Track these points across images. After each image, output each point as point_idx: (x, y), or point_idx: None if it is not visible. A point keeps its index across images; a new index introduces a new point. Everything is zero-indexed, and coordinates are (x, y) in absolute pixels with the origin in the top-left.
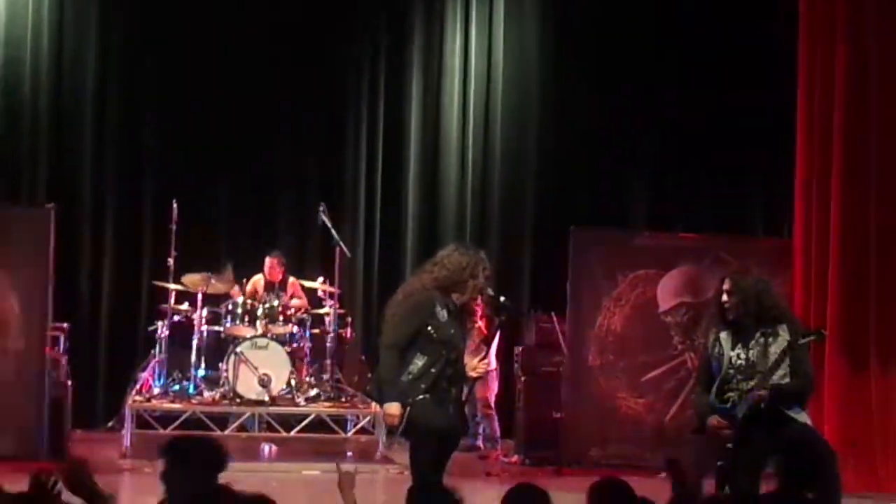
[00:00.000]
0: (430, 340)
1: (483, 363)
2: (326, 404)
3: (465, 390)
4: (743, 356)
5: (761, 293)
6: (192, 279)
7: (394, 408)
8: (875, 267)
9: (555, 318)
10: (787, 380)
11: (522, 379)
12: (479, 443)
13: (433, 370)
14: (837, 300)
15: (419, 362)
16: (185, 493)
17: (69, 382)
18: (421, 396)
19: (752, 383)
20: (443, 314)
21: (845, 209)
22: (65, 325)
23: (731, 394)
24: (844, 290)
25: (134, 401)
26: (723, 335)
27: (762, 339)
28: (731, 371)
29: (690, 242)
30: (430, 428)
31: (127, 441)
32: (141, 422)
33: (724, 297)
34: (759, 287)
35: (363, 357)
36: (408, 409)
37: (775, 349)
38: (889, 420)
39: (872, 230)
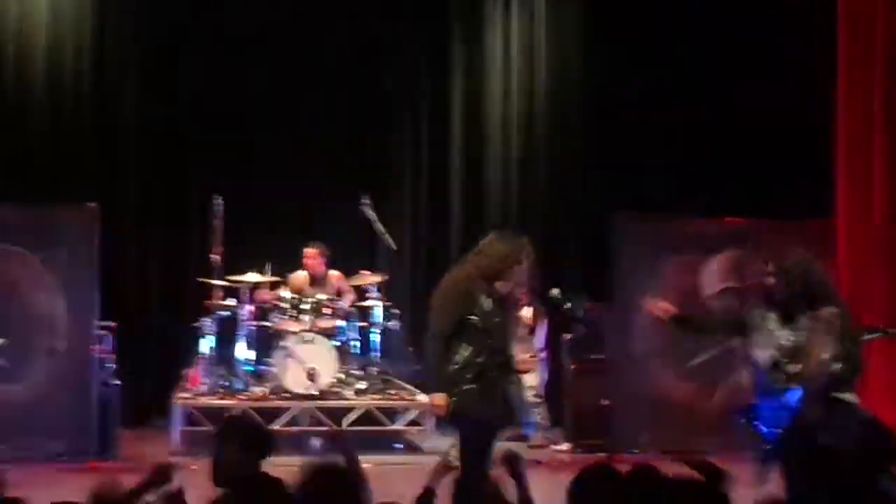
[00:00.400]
0: (475, 329)
1: (530, 358)
2: (375, 397)
3: (515, 379)
4: (791, 338)
5: (807, 272)
6: (240, 274)
7: (439, 398)
8: None
9: (600, 305)
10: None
11: (570, 367)
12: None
13: (479, 360)
14: (883, 282)
15: (465, 352)
16: (227, 471)
17: (117, 381)
18: (467, 386)
19: (799, 367)
20: (487, 303)
21: (888, 189)
22: (111, 323)
23: (777, 376)
24: (888, 271)
25: (182, 398)
26: (771, 315)
27: (807, 321)
28: (776, 353)
29: (734, 227)
30: (476, 418)
31: (176, 438)
32: (190, 419)
33: (770, 280)
34: (804, 266)
35: (411, 349)
36: (454, 399)
37: (823, 330)
38: None
39: None
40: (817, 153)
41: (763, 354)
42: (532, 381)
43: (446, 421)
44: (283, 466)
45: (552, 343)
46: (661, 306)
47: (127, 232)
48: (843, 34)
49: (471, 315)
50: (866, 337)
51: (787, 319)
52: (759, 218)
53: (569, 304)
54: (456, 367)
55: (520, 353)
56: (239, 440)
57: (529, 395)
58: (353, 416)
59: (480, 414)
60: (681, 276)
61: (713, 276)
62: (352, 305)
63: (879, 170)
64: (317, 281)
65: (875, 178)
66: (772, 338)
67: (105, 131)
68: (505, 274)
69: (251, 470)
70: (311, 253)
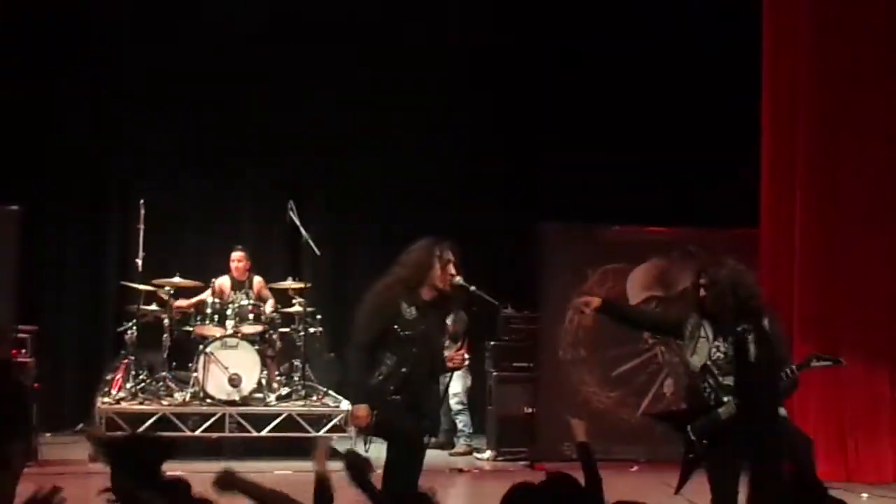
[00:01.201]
0: (399, 339)
1: (460, 354)
2: (298, 403)
3: (442, 386)
4: (723, 349)
5: (737, 286)
6: (161, 279)
7: (361, 409)
8: (841, 254)
9: (525, 314)
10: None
11: (494, 374)
12: (454, 439)
13: (403, 369)
14: (804, 288)
15: (389, 362)
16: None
17: (37, 385)
18: (391, 398)
19: (729, 380)
20: (410, 311)
21: (810, 198)
22: (31, 327)
23: (707, 384)
24: (810, 277)
25: (103, 403)
26: (705, 322)
27: (741, 334)
28: (709, 363)
29: (659, 235)
30: (399, 430)
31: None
32: (111, 424)
33: (702, 292)
34: (736, 279)
35: (333, 355)
36: (376, 411)
37: (754, 346)
38: (857, 404)
39: (839, 218)
40: (742, 161)
41: (696, 364)
42: (456, 387)
43: (367, 433)
44: (202, 473)
45: (475, 350)
46: (586, 300)
47: (46, 234)
48: (767, 52)
49: (394, 325)
50: (815, 364)
51: (720, 331)
52: (683, 226)
53: (473, 287)
54: (380, 378)
55: (450, 352)
56: (127, 464)
57: (454, 402)
58: (275, 423)
59: (405, 424)
60: (606, 285)
61: (637, 284)
62: (274, 311)
63: (801, 178)
64: (240, 285)
65: (797, 187)
66: (705, 348)
67: (28, 133)
68: (424, 280)
69: (153, 480)
70: (239, 256)
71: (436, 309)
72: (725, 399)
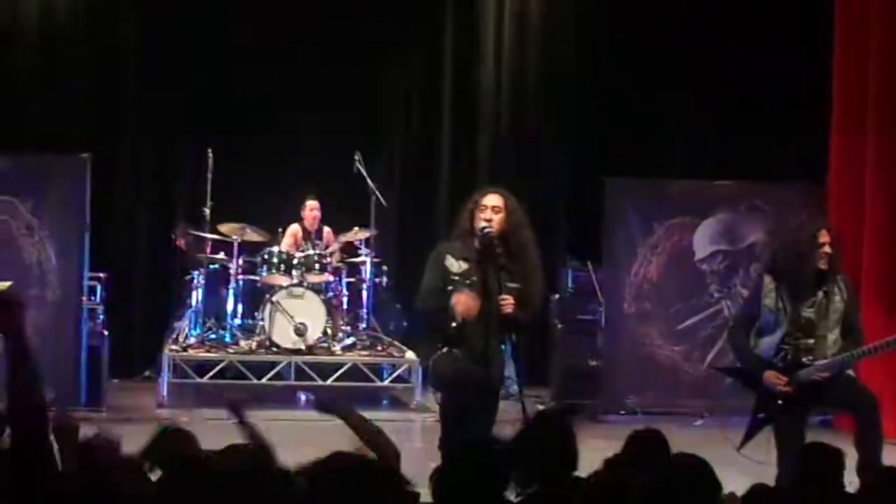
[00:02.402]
0: (449, 294)
1: (507, 300)
2: (362, 353)
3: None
4: (805, 314)
5: (841, 248)
6: (229, 227)
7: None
8: None
9: (590, 267)
10: (837, 335)
11: (559, 326)
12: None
13: (453, 324)
14: (872, 244)
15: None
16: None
17: (106, 332)
18: (443, 350)
19: (811, 342)
20: (458, 265)
21: (880, 153)
22: (102, 274)
23: (786, 347)
24: (880, 232)
25: (171, 350)
26: (784, 287)
27: (824, 299)
28: (792, 327)
29: (726, 190)
30: (449, 381)
31: (164, 390)
32: (178, 371)
33: (827, 250)
34: (840, 241)
35: (399, 305)
36: (433, 361)
37: (835, 308)
38: None
39: None
40: (810, 115)
41: (774, 326)
42: None
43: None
44: (271, 420)
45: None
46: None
47: (119, 182)
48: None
49: (442, 279)
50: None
51: (801, 292)
52: (751, 180)
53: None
54: (436, 328)
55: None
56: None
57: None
58: (340, 372)
59: (454, 376)
60: (672, 238)
61: (705, 239)
62: (341, 261)
63: (872, 132)
64: (310, 234)
65: (868, 142)
66: (782, 309)
67: (99, 82)
68: (467, 228)
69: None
70: (313, 205)
71: (489, 256)
72: (805, 360)
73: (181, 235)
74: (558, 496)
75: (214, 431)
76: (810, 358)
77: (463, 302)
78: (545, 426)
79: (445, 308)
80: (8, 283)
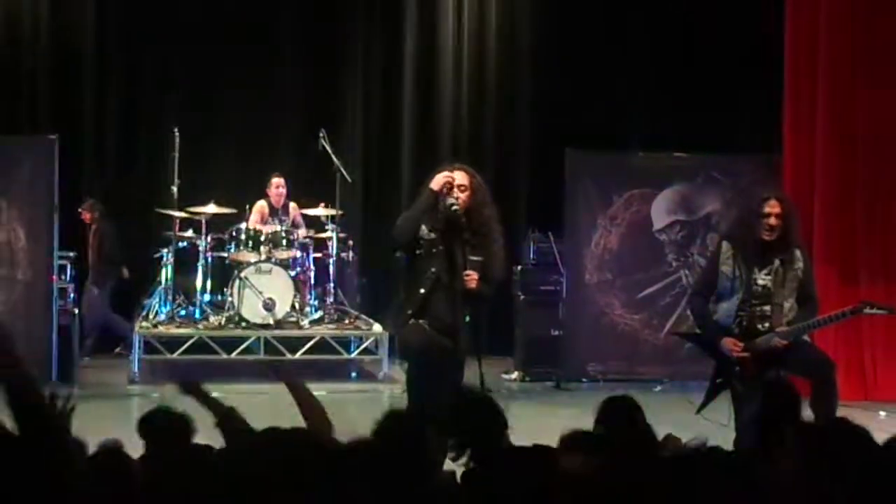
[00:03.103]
0: (416, 258)
1: (471, 274)
2: (330, 326)
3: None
4: (761, 281)
5: (796, 218)
6: (196, 207)
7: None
8: (861, 181)
9: (551, 238)
10: (792, 302)
11: (521, 297)
12: None
13: (422, 290)
14: (824, 211)
15: (407, 285)
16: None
17: (76, 310)
18: (411, 320)
19: (767, 309)
20: (427, 232)
21: (832, 125)
22: (71, 253)
23: (743, 314)
24: (830, 201)
25: (141, 327)
26: (741, 256)
27: (780, 267)
28: (748, 295)
29: (683, 162)
30: (413, 349)
31: (135, 367)
32: (148, 347)
33: (773, 222)
34: (795, 211)
35: (364, 279)
36: (400, 331)
37: (791, 277)
38: (875, 329)
39: (859, 144)
40: (767, 90)
41: (731, 293)
42: None
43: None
44: (240, 394)
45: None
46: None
47: (86, 163)
48: None
49: (415, 248)
50: (867, 311)
51: (758, 261)
52: (707, 153)
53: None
54: (399, 301)
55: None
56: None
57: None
58: (308, 345)
59: (418, 345)
60: (631, 209)
61: (662, 209)
62: (307, 237)
63: (823, 103)
64: (277, 211)
65: (818, 116)
66: (739, 277)
67: (62, 63)
68: (436, 202)
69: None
70: (278, 182)
71: (455, 230)
72: (760, 327)
73: (87, 210)
74: (495, 465)
75: (184, 407)
76: (766, 325)
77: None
78: (471, 404)
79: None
80: None
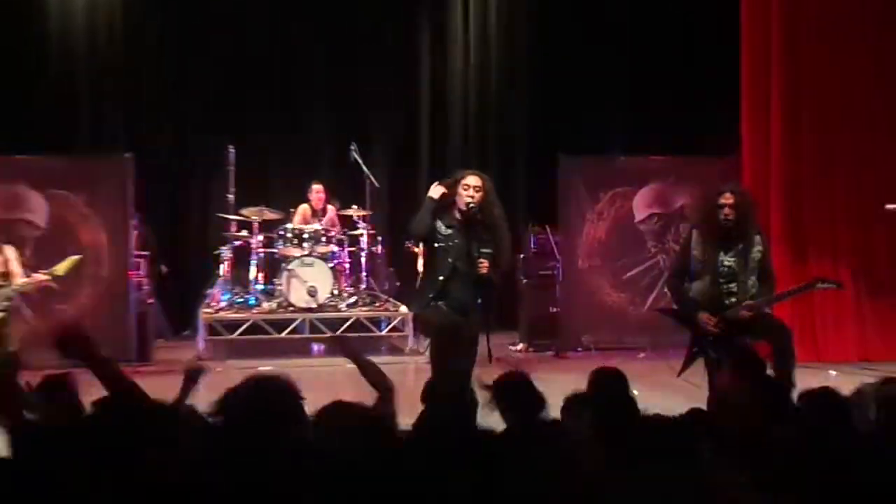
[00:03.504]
0: (435, 251)
1: (484, 262)
2: (364, 309)
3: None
4: (727, 263)
5: (752, 208)
6: (250, 210)
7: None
8: (808, 178)
9: (548, 230)
10: (754, 279)
11: (524, 281)
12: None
13: (441, 277)
14: (779, 206)
15: (429, 272)
16: None
17: (151, 300)
18: (432, 303)
19: (733, 286)
20: (444, 228)
21: (783, 133)
22: (145, 252)
23: (713, 291)
24: (784, 198)
25: (205, 313)
26: (709, 241)
27: (742, 249)
28: (715, 275)
29: (658, 164)
30: (435, 328)
31: (201, 346)
32: (211, 330)
33: (727, 211)
34: (750, 200)
35: (391, 269)
36: (424, 312)
37: (753, 257)
38: (825, 300)
39: (806, 148)
40: (727, 100)
41: (702, 273)
42: None
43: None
44: (292, 368)
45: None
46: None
47: (157, 176)
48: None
49: (434, 241)
50: (819, 286)
51: (724, 245)
52: (678, 155)
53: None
54: (426, 285)
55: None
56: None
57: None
58: (345, 325)
59: (440, 323)
60: (615, 205)
61: (641, 204)
62: (343, 233)
63: (776, 112)
64: (317, 212)
65: (772, 120)
66: (712, 261)
67: (137, 91)
68: (454, 201)
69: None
70: (318, 188)
71: (469, 226)
72: (727, 302)
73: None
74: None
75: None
76: (732, 300)
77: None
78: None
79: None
80: (78, 257)
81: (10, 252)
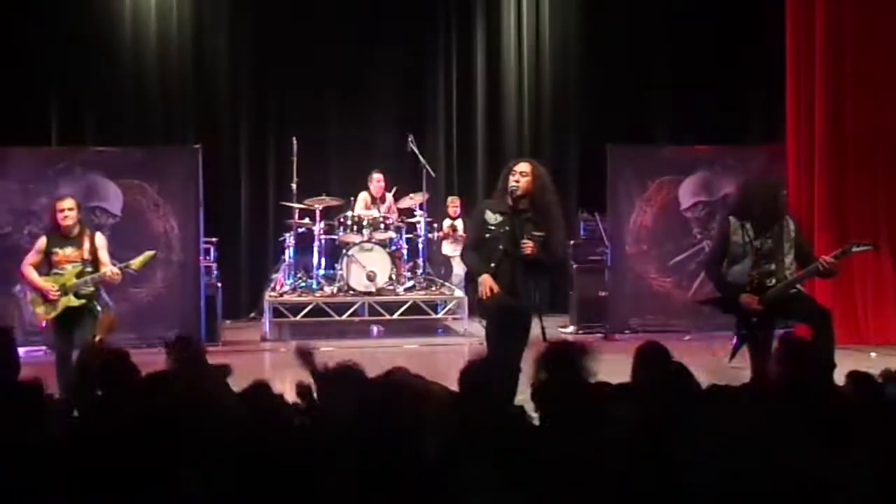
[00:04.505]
0: (486, 240)
1: (528, 243)
2: (420, 293)
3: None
4: (766, 245)
5: (780, 195)
6: (312, 199)
7: (484, 279)
8: (851, 163)
9: (598, 217)
10: (791, 259)
11: (574, 266)
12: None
13: (492, 264)
14: (822, 190)
15: (483, 257)
16: None
17: (219, 284)
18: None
19: (772, 267)
20: (494, 217)
21: (826, 121)
22: (214, 239)
23: (754, 273)
24: (827, 182)
25: (270, 296)
26: (747, 225)
27: (777, 230)
28: (756, 257)
29: (704, 153)
30: (490, 309)
31: (266, 328)
32: (276, 312)
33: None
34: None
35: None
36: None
37: (787, 238)
38: (866, 283)
39: (849, 136)
40: (771, 90)
41: (742, 256)
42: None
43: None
44: (349, 349)
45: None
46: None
47: (224, 166)
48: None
49: (482, 230)
50: (854, 249)
51: (761, 229)
52: (724, 144)
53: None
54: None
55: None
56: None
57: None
58: (403, 308)
59: (495, 304)
60: (662, 192)
61: (687, 192)
62: (400, 220)
63: (820, 101)
64: (376, 200)
65: (816, 109)
66: (748, 242)
67: (205, 86)
68: (502, 189)
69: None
70: (379, 177)
71: (519, 211)
72: (768, 282)
73: None
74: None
75: None
76: (772, 280)
77: (484, 283)
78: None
79: (478, 266)
80: (152, 252)
81: (100, 240)
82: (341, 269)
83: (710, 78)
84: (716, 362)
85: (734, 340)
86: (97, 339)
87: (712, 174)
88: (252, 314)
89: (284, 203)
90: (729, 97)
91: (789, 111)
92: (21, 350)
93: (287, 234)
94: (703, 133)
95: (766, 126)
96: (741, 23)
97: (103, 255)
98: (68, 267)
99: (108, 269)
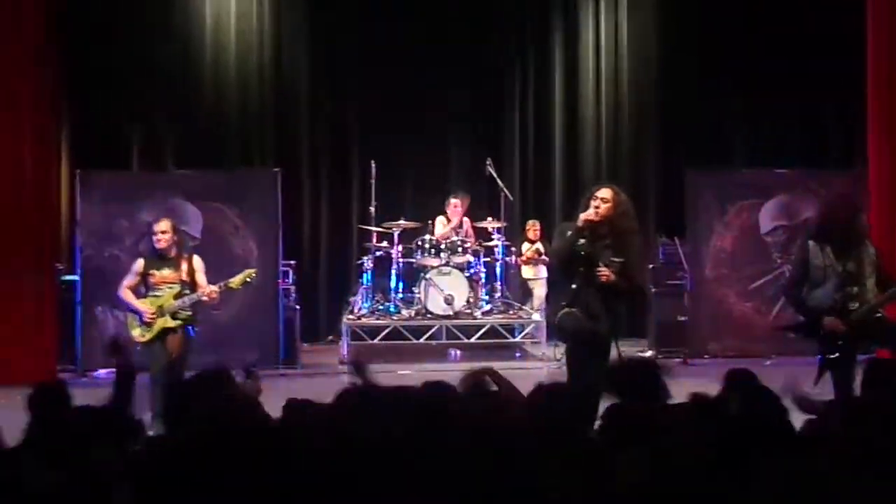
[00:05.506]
0: (568, 262)
1: (603, 271)
2: (498, 316)
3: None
4: (848, 268)
5: (859, 217)
6: (390, 223)
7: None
8: None
9: (677, 241)
10: (873, 282)
11: (653, 290)
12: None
13: (573, 286)
14: None
15: (565, 280)
16: None
17: (298, 306)
18: (566, 308)
19: (855, 290)
20: (578, 240)
21: None
22: (292, 262)
23: (837, 296)
24: None
25: (348, 319)
26: (828, 248)
27: (858, 254)
28: (839, 280)
29: (785, 177)
30: (570, 332)
31: (344, 350)
32: (354, 335)
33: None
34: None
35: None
36: (558, 317)
37: (869, 262)
38: None
39: None
40: (852, 114)
41: (823, 280)
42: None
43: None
44: (429, 372)
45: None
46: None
47: (303, 189)
48: (871, 19)
49: (567, 252)
50: None
51: (842, 253)
52: (804, 168)
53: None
54: (560, 292)
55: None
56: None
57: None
58: (480, 332)
59: (575, 328)
60: (742, 216)
61: (767, 216)
62: (478, 244)
63: None
64: (454, 224)
65: None
66: (829, 266)
67: (284, 110)
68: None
69: None
70: (456, 202)
71: (598, 236)
72: (852, 305)
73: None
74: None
75: (384, 382)
76: (855, 304)
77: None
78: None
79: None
80: (253, 270)
81: (198, 263)
82: (419, 293)
83: (788, 98)
84: (799, 387)
85: (819, 365)
86: (172, 357)
87: (792, 198)
88: (330, 337)
89: (363, 226)
90: (807, 117)
91: (870, 132)
92: (102, 371)
93: (365, 258)
94: (780, 154)
95: (845, 147)
96: (820, 41)
97: (200, 277)
98: (165, 289)
99: (207, 288)
